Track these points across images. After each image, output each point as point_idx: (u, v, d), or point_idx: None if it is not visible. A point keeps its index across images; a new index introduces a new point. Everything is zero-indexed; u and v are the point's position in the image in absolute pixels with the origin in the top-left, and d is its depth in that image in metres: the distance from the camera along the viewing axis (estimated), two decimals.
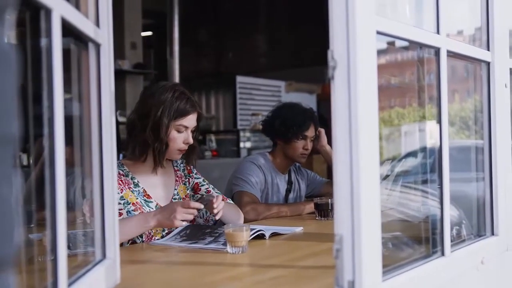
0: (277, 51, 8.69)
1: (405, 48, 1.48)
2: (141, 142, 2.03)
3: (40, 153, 0.96)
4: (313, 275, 1.47)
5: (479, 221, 1.67)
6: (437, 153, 1.38)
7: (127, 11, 6.72)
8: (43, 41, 0.91)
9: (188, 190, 2.22)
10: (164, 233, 2.01)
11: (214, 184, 2.32)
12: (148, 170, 2.09)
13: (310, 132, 2.74)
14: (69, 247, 1.00)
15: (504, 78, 1.66)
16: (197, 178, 2.26)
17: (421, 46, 1.41)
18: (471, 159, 1.74)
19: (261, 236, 1.93)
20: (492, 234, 1.63)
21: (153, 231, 1.99)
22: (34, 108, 0.92)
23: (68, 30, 1.01)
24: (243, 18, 8.88)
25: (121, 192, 1.98)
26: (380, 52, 1.13)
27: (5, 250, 0.57)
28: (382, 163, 1.13)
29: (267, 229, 1.99)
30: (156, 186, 2.12)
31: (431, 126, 1.47)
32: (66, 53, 0.97)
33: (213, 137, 7.12)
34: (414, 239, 1.51)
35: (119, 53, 6.53)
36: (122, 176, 2.02)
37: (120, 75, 6.47)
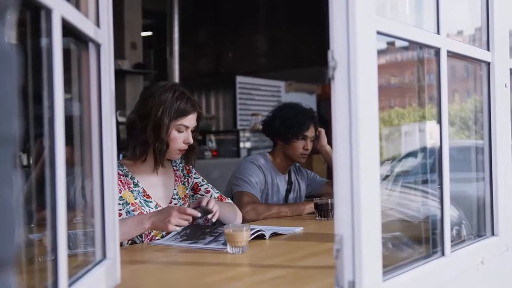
0: (277, 51, 8.69)
1: (405, 48, 1.48)
2: (141, 142, 2.03)
3: (40, 153, 0.95)
4: (313, 275, 1.47)
5: (479, 221, 1.67)
6: (437, 153, 1.38)
7: (127, 11, 6.72)
8: (44, 41, 0.91)
9: (188, 190, 2.22)
10: (164, 233, 2.01)
11: (214, 184, 2.32)
12: (148, 170, 2.09)
13: (310, 132, 2.74)
14: (69, 247, 1.00)
15: (504, 78, 1.66)
16: (196, 178, 2.26)
17: (422, 46, 1.41)
18: (471, 159, 1.74)
19: (261, 236, 1.93)
20: (492, 234, 1.63)
21: (154, 231, 1.99)
22: (34, 108, 0.92)
23: (68, 30, 1.01)
24: (243, 18, 8.89)
25: (120, 193, 1.98)
26: (380, 52, 1.13)
27: (6, 251, 0.57)
28: (382, 163, 1.13)
29: (267, 229, 1.99)
30: (156, 186, 2.12)
31: (431, 126, 1.47)
32: (66, 53, 0.97)
33: (213, 137, 7.12)
34: (414, 239, 1.51)
35: (119, 53, 6.54)
36: (121, 176, 2.02)
37: (120, 75, 6.48)
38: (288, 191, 2.83)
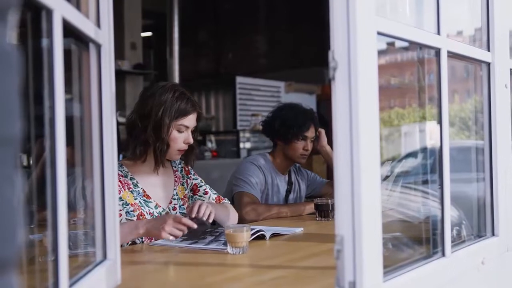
0: (276, 52, 8.69)
1: (405, 49, 1.49)
2: (142, 142, 2.03)
3: (41, 153, 0.95)
4: (314, 275, 1.47)
5: (480, 222, 1.67)
6: (438, 153, 1.38)
7: (127, 11, 6.72)
8: (44, 42, 0.91)
9: (187, 191, 2.22)
10: None
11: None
12: (147, 170, 2.10)
13: (310, 133, 2.74)
14: (69, 247, 1.00)
15: (505, 78, 1.66)
16: (195, 179, 2.27)
17: (422, 46, 1.41)
18: (471, 159, 1.74)
19: (261, 237, 1.93)
20: (493, 234, 1.63)
21: None
22: (35, 108, 0.92)
23: (69, 30, 1.01)
24: (243, 19, 8.89)
25: (119, 193, 1.98)
26: (379, 53, 1.13)
27: (8, 252, 0.57)
28: (382, 163, 1.13)
29: (268, 230, 1.99)
30: (156, 186, 2.12)
31: (431, 126, 1.47)
32: (67, 54, 0.97)
33: (212, 138, 7.12)
34: (415, 240, 1.51)
35: (119, 53, 6.53)
36: (121, 177, 2.02)
37: (120, 76, 6.47)
38: (288, 191, 2.83)
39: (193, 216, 1.91)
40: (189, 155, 2.18)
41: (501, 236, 1.63)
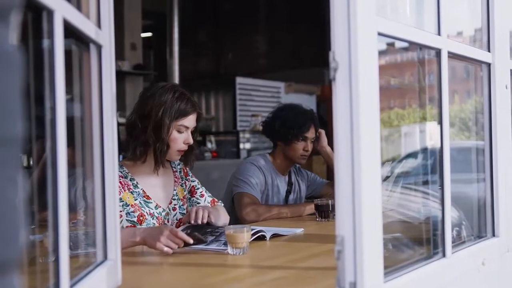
0: (276, 52, 8.69)
1: (405, 49, 1.49)
2: (142, 142, 2.03)
3: (41, 154, 0.95)
4: (314, 276, 1.47)
5: (480, 222, 1.67)
6: (438, 154, 1.38)
7: (127, 11, 6.72)
8: (45, 42, 0.91)
9: (185, 192, 2.23)
10: None
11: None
12: (147, 171, 2.10)
13: (311, 134, 2.74)
14: (70, 248, 1.00)
15: (505, 79, 1.67)
16: (193, 181, 2.27)
17: (422, 47, 1.41)
18: (471, 160, 1.74)
19: (262, 237, 1.93)
20: (493, 235, 1.63)
21: None
22: (35, 109, 0.92)
23: (70, 31, 1.01)
24: (243, 19, 8.88)
25: (119, 194, 1.97)
26: (380, 53, 1.13)
27: (10, 252, 0.57)
28: (382, 164, 1.13)
29: (268, 230, 1.99)
30: (156, 187, 2.13)
31: (431, 127, 1.47)
32: (67, 54, 0.97)
33: (212, 138, 7.12)
34: (415, 240, 1.51)
35: (119, 54, 6.52)
36: (121, 178, 2.03)
37: (120, 76, 6.46)
38: (288, 192, 2.83)
39: (193, 222, 1.92)
40: (189, 155, 2.18)
41: (502, 236, 1.63)
